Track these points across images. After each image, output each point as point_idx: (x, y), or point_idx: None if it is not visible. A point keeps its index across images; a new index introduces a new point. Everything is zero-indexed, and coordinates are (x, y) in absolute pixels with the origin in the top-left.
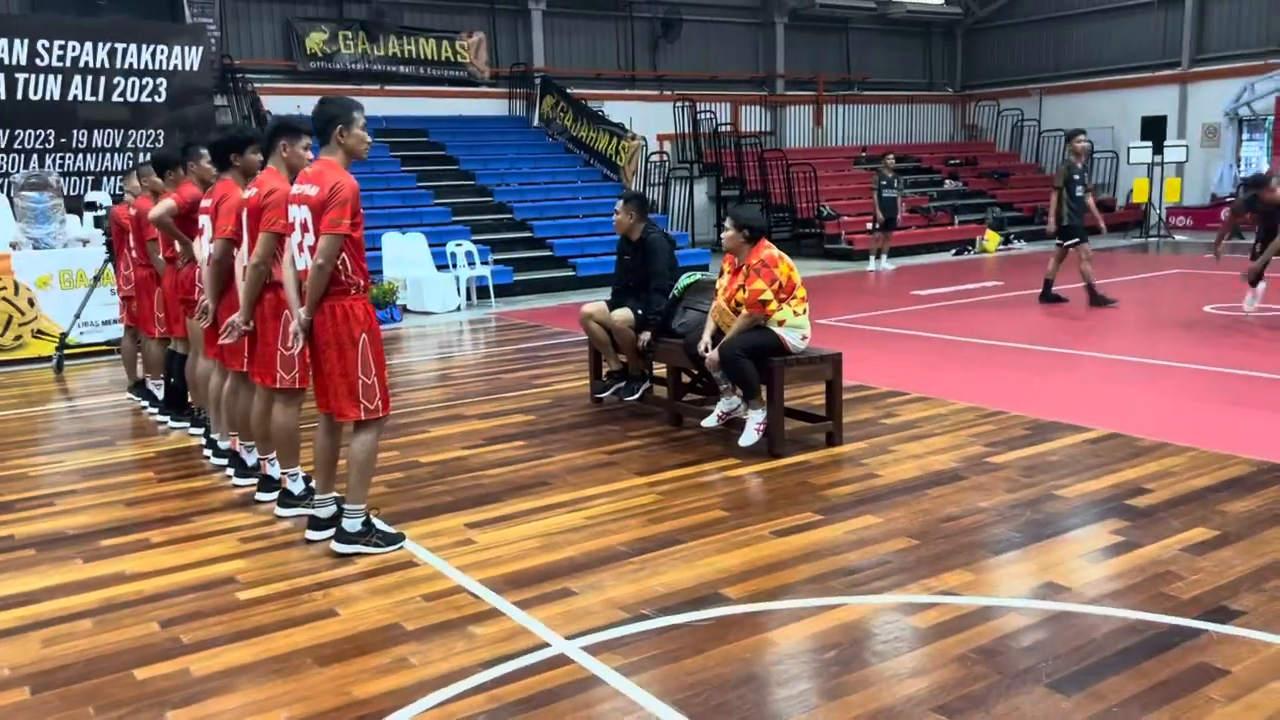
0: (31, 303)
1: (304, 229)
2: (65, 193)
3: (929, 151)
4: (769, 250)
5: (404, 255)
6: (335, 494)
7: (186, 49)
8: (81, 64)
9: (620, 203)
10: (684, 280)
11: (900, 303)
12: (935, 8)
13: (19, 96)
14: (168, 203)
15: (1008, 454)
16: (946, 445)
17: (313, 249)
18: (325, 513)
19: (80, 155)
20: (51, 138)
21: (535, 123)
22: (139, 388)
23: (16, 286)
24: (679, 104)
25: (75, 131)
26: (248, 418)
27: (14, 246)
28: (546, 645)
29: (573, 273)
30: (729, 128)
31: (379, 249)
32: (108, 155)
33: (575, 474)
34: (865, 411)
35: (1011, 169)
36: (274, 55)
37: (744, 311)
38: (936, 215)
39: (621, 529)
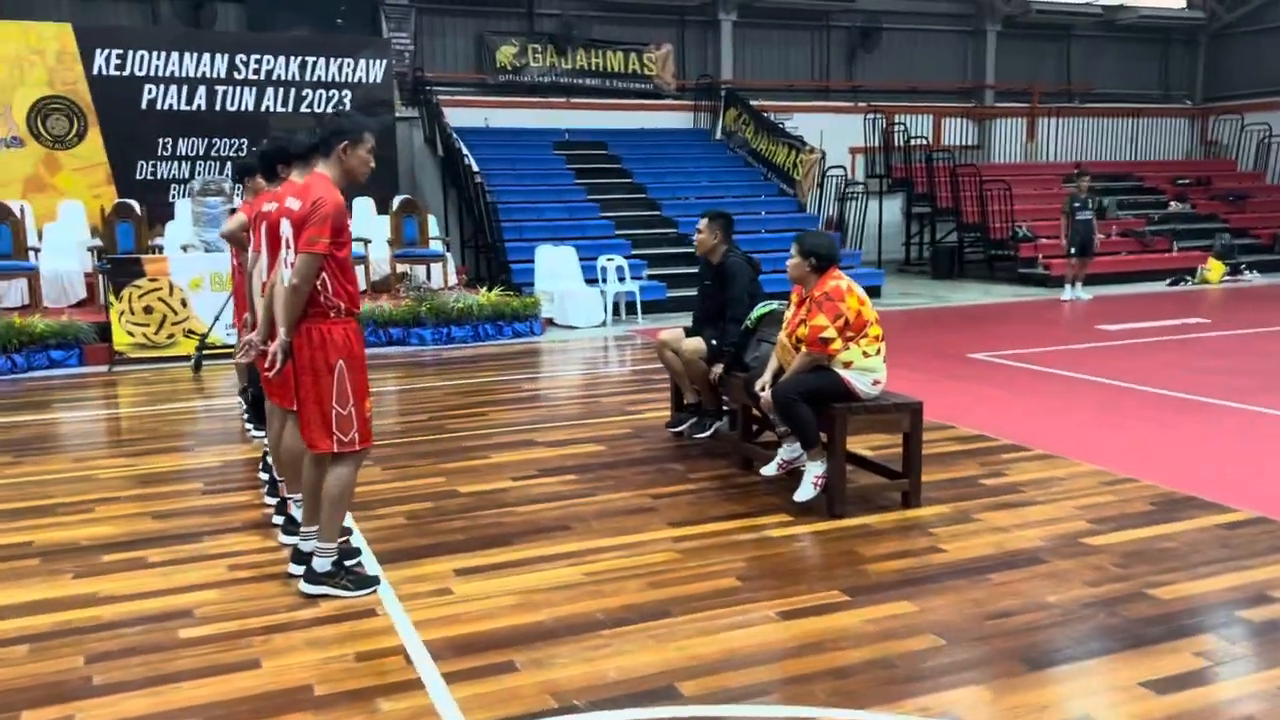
0: (184, 303)
1: (287, 245)
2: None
3: (1154, 170)
4: (837, 281)
5: (555, 268)
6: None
7: (371, 62)
8: (275, 77)
9: (704, 220)
10: (759, 310)
11: (1079, 338)
12: (1174, 13)
13: (218, 108)
14: (239, 217)
15: (1113, 534)
16: (1043, 517)
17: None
18: (309, 546)
19: None
20: (245, 146)
21: (717, 135)
22: (244, 393)
23: (171, 287)
24: (869, 116)
25: (266, 141)
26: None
27: (184, 249)
28: None
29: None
30: (924, 141)
31: (532, 261)
32: None
33: (604, 519)
34: (969, 467)
35: (1253, 190)
36: (465, 68)
37: (803, 349)
38: (1153, 240)
39: (615, 591)
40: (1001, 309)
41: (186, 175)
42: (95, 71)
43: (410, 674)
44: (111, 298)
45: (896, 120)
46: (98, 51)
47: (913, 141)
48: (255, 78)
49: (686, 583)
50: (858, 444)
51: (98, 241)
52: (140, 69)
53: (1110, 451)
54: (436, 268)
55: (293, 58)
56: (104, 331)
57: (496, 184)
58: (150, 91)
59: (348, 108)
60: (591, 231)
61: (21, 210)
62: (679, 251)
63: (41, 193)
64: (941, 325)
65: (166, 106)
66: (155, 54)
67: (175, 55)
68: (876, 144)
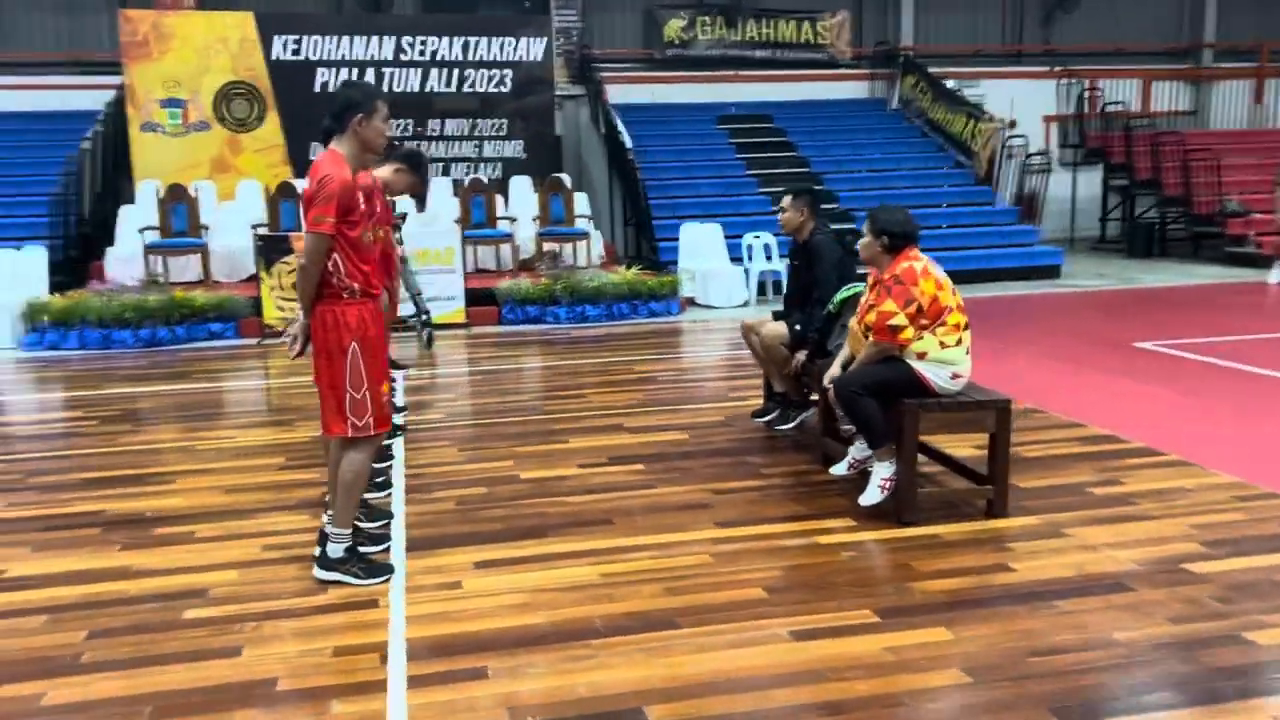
0: None
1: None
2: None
3: None
4: (911, 263)
5: (699, 246)
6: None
7: (532, 40)
8: (439, 58)
9: (788, 198)
10: (842, 293)
11: (1275, 327)
12: None
13: (386, 89)
14: None
15: (1227, 561)
16: (1147, 536)
17: None
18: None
19: (434, 143)
20: (410, 127)
21: (893, 106)
22: (393, 364)
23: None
24: (1064, 82)
25: (430, 121)
26: None
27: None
28: None
29: None
30: (1122, 107)
31: (676, 239)
32: (457, 143)
33: (652, 514)
34: (1081, 473)
35: None
36: (632, 44)
37: (871, 338)
38: None
39: (627, 596)
40: (1195, 292)
41: None
42: (273, 57)
43: (378, 675)
44: (263, 273)
45: (1095, 85)
46: (276, 38)
47: (1110, 108)
48: (421, 59)
49: (708, 591)
50: (952, 444)
51: (262, 219)
52: (314, 53)
53: (1259, 462)
54: (583, 246)
55: (456, 38)
56: (258, 306)
57: (654, 160)
58: (323, 75)
59: (509, 87)
60: (747, 208)
61: (195, 190)
62: (838, 228)
63: (225, 173)
64: (1117, 310)
65: (337, 89)
66: (328, 38)
67: (346, 39)
68: (1072, 112)
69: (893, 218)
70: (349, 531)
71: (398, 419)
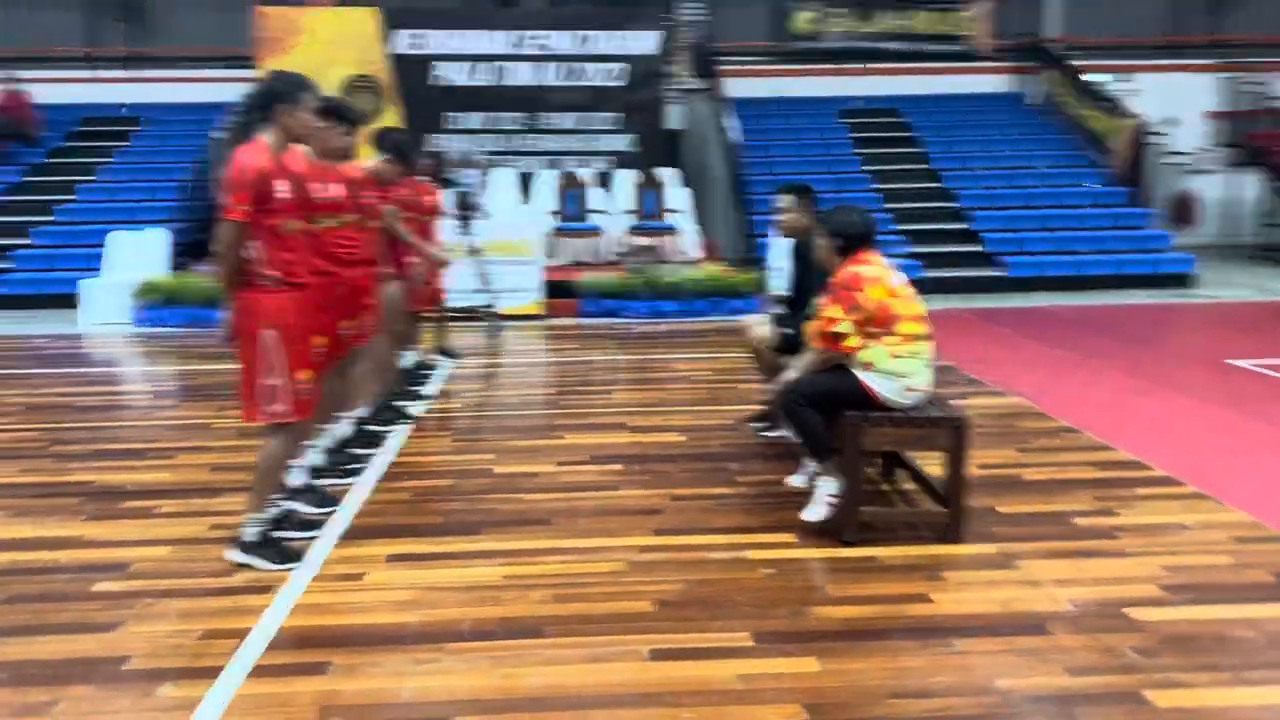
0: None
1: None
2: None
3: None
4: (860, 267)
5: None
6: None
7: (647, 33)
8: (554, 52)
9: (789, 197)
10: None
11: None
12: None
13: (501, 83)
14: None
15: (1176, 609)
16: (1106, 574)
17: None
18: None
19: (546, 137)
20: (523, 120)
21: (1033, 100)
22: (444, 351)
23: None
24: (1228, 76)
25: (543, 115)
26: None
27: (466, 215)
28: None
29: (1001, 272)
30: None
31: (765, 235)
32: (570, 136)
33: (596, 517)
34: (1078, 500)
35: None
36: (759, 37)
37: (814, 344)
38: None
39: (513, 601)
40: None
41: (472, 148)
42: (395, 51)
43: (222, 661)
44: None
45: (1263, 81)
46: (398, 32)
47: (1273, 104)
48: (536, 53)
49: (597, 600)
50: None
51: None
52: (433, 48)
53: None
54: (676, 241)
55: (571, 32)
56: None
57: (765, 155)
58: (440, 69)
59: (622, 80)
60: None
61: None
62: (951, 228)
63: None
64: (1232, 323)
65: (455, 82)
66: (446, 33)
67: (464, 34)
68: (1237, 108)
69: (847, 218)
70: (264, 516)
71: (415, 409)
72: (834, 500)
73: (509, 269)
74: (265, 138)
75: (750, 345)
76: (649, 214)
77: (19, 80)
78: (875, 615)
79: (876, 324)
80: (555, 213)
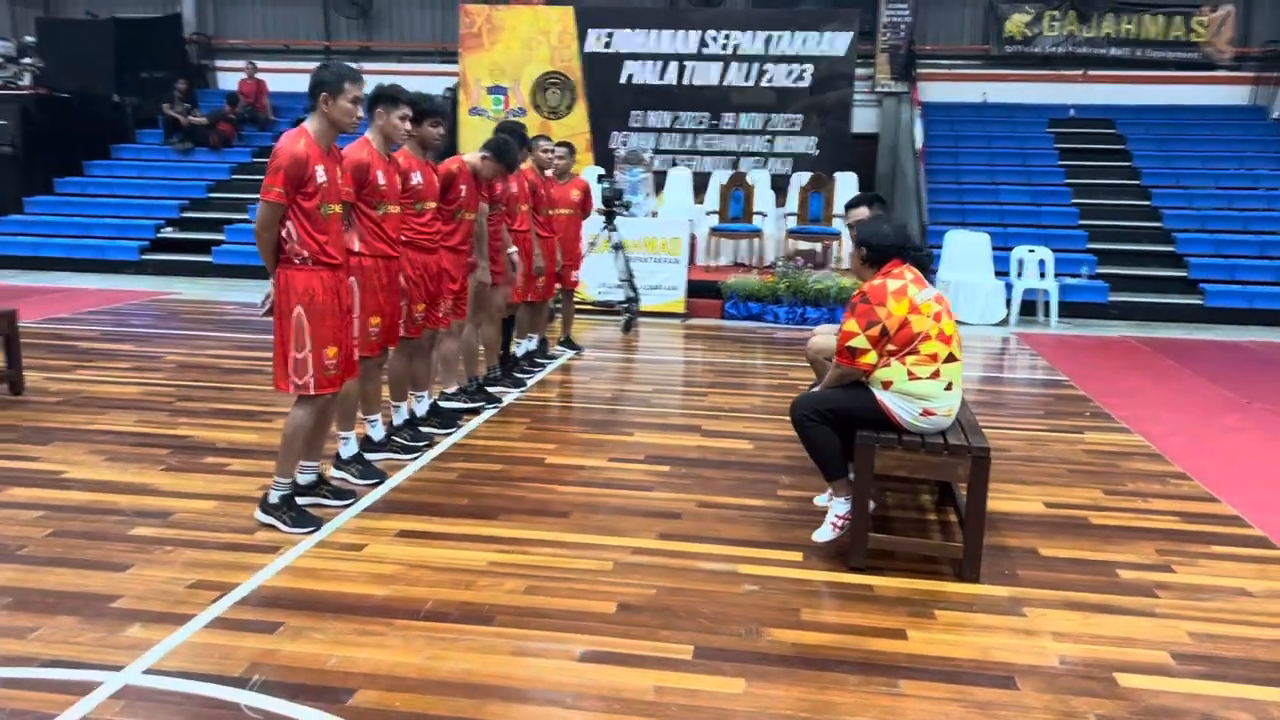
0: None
1: None
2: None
3: None
4: (885, 280)
5: (964, 256)
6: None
7: (836, 35)
8: (739, 52)
9: (862, 208)
10: None
11: None
12: None
13: (685, 82)
14: None
15: (1177, 680)
16: (1120, 634)
17: None
18: (347, 450)
19: (727, 136)
20: (705, 120)
21: (1277, 114)
22: (568, 342)
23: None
24: None
25: (725, 115)
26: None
27: (612, 211)
28: (119, 669)
29: (1197, 300)
30: None
31: (939, 246)
32: (750, 138)
33: (613, 515)
34: (1138, 552)
35: None
36: (968, 40)
37: (833, 360)
38: None
39: (484, 587)
40: None
41: (652, 146)
42: (587, 49)
43: (195, 611)
44: None
45: None
46: (590, 31)
47: None
48: (721, 53)
49: (564, 597)
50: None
51: None
52: (623, 46)
53: None
54: (835, 246)
55: (758, 33)
56: None
57: (957, 163)
58: (629, 67)
59: (807, 82)
60: (1047, 219)
61: None
62: (1152, 249)
63: None
64: None
65: (641, 81)
66: (636, 32)
67: (653, 33)
68: None
69: (876, 228)
70: (288, 480)
71: (509, 394)
72: (842, 522)
73: (654, 266)
74: (308, 124)
75: (807, 355)
76: (814, 218)
77: (258, 69)
78: (833, 645)
79: (896, 341)
80: (711, 213)
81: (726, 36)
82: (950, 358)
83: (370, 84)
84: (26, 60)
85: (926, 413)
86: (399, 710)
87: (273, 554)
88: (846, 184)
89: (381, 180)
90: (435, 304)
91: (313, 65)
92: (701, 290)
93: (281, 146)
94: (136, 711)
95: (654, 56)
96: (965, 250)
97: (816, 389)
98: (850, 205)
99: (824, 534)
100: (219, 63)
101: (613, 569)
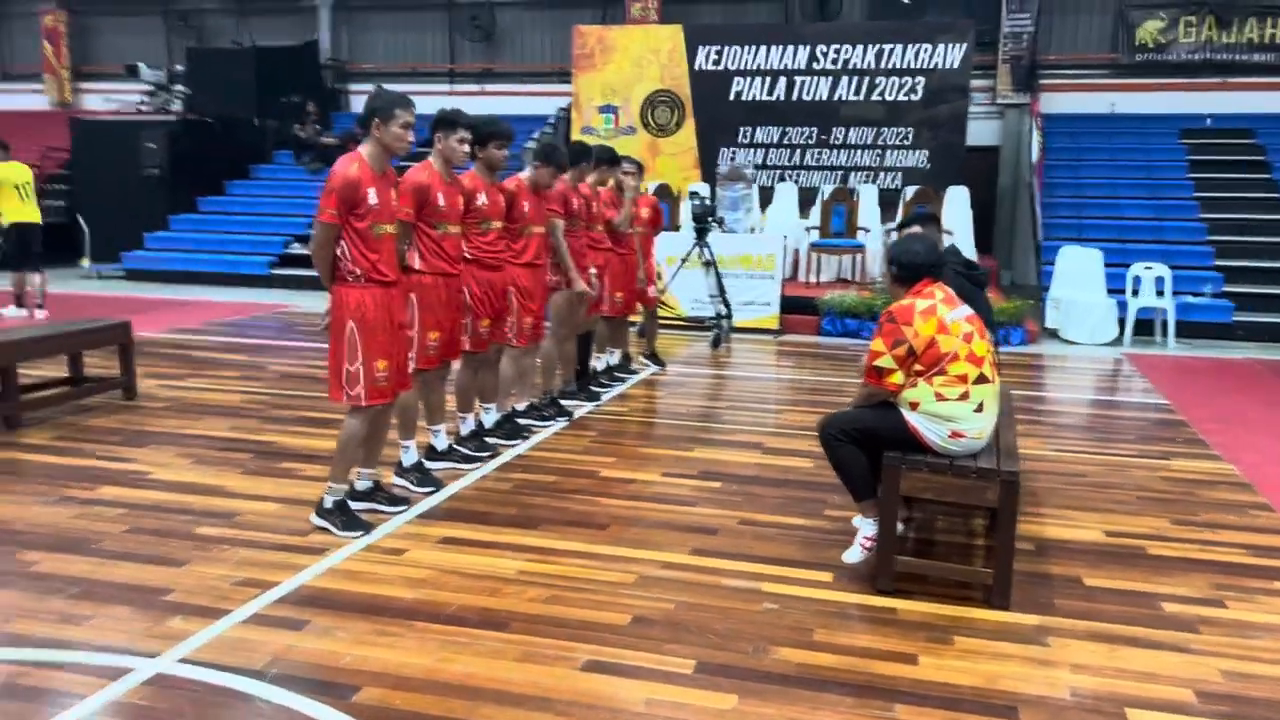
0: (659, 276)
1: None
2: (816, 186)
3: None
4: (913, 300)
5: (1075, 272)
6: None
7: (950, 47)
8: (850, 66)
9: (917, 227)
10: None
11: None
12: None
13: (794, 97)
14: None
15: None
16: (1144, 669)
17: None
18: (407, 459)
19: (836, 151)
20: (814, 135)
21: None
22: (652, 357)
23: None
24: None
25: (835, 129)
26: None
27: (703, 227)
28: (154, 657)
29: None
30: None
31: (1052, 262)
32: (859, 152)
33: (651, 529)
34: (1191, 585)
35: None
36: (1095, 48)
37: (862, 380)
38: None
39: (508, 594)
40: None
41: (760, 161)
42: (696, 67)
43: (234, 607)
44: None
45: None
46: (700, 48)
47: None
48: (831, 67)
49: (581, 607)
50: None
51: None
52: (732, 63)
53: None
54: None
55: (869, 46)
56: None
57: (1080, 176)
58: (738, 84)
59: (919, 95)
60: (1171, 234)
61: None
62: None
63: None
64: None
65: (751, 97)
66: (745, 49)
67: (763, 49)
68: None
69: (908, 247)
70: (342, 487)
71: (583, 409)
72: (870, 543)
73: (749, 282)
74: (362, 149)
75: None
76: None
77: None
78: (838, 666)
79: (923, 361)
80: (811, 228)
81: (837, 50)
82: (981, 379)
83: (492, 105)
84: (177, 88)
85: (955, 435)
86: (396, 708)
87: (319, 555)
88: (958, 198)
89: (441, 201)
90: (501, 319)
91: (437, 88)
92: (799, 306)
93: (335, 170)
94: (161, 697)
95: (763, 72)
96: (1077, 267)
97: (841, 410)
98: (902, 224)
99: (853, 555)
100: (352, 86)
101: (636, 582)
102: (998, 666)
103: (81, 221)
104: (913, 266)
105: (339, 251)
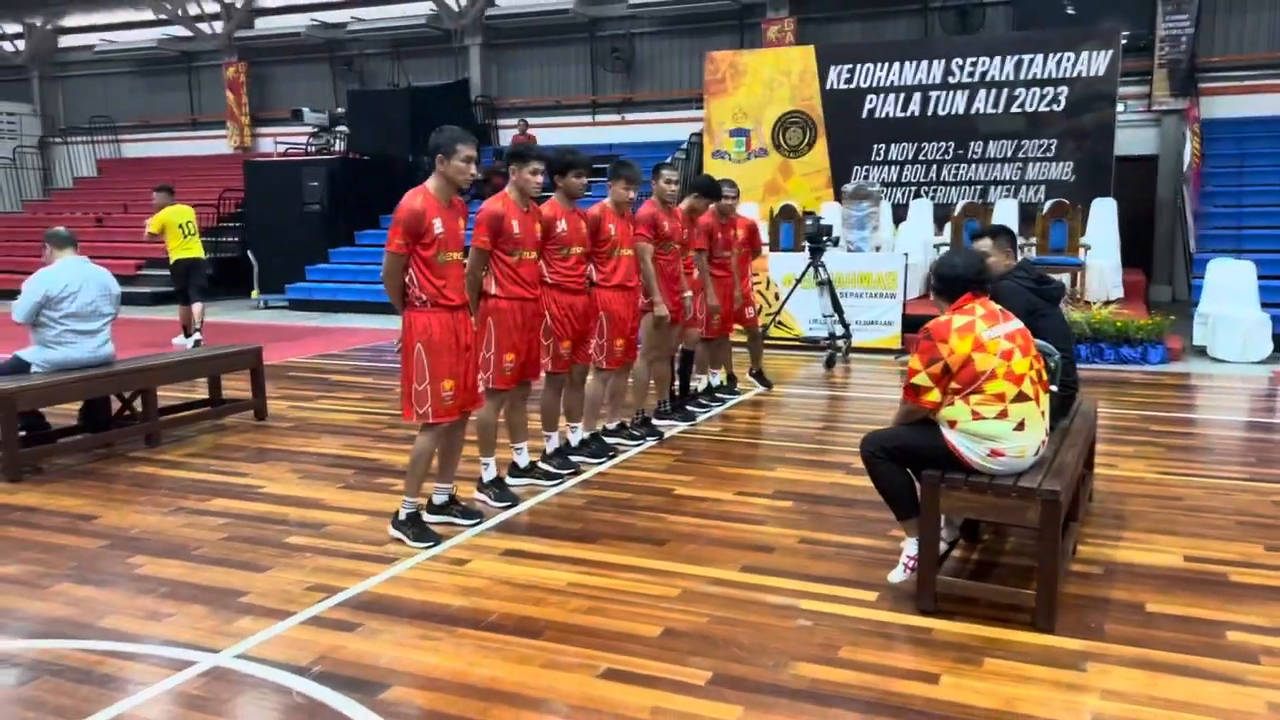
0: (777, 296)
1: None
2: (952, 201)
3: None
4: (952, 316)
5: (1224, 286)
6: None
7: (1094, 54)
8: (988, 78)
9: (986, 240)
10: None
11: None
12: None
13: (929, 113)
14: None
15: None
16: (1183, 699)
17: None
18: (487, 475)
19: (973, 166)
20: (950, 150)
21: None
22: (759, 376)
23: (769, 281)
24: None
25: (972, 143)
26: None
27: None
28: (215, 652)
29: None
30: None
31: (1202, 276)
32: (999, 166)
33: (709, 546)
34: (1267, 615)
35: None
36: (1262, 48)
37: (901, 397)
38: None
39: (552, 604)
40: None
41: (894, 178)
42: (828, 86)
43: (298, 608)
44: None
45: None
46: (831, 68)
47: None
48: (969, 80)
49: (618, 618)
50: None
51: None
52: (865, 81)
53: None
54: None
55: (1008, 57)
56: None
57: (1242, 183)
58: (871, 101)
59: (1062, 105)
60: None
61: None
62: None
63: (774, 195)
64: None
65: (884, 114)
66: (879, 66)
67: (896, 66)
68: None
69: (948, 260)
70: (415, 501)
71: (676, 428)
72: (913, 563)
73: (869, 301)
74: (428, 183)
75: None
76: (1056, 247)
77: (530, 125)
78: (853, 683)
79: (959, 380)
80: (941, 245)
81: (974, 64)
82: (1021, 396)
83: (632, 133)
84: (338, 128)
85: (994, 453)
86: (417, 705)
87: (388, 564)
88: (1104, 211)
89: (516, 229)
90: (583, 341)
91: (579, 119)
92: (917, 325)
93: (402, 203)
94: (215, 689)
95: (896, 89)
96: (1227, 280)
97: (883, 428)
98: (974, 237)
99: (898, 575)
100: (500, 121)
101: (678, 595)
102: (1021, 690)
103: (251, 256)
104: (952, 279)
105: (407, 279)
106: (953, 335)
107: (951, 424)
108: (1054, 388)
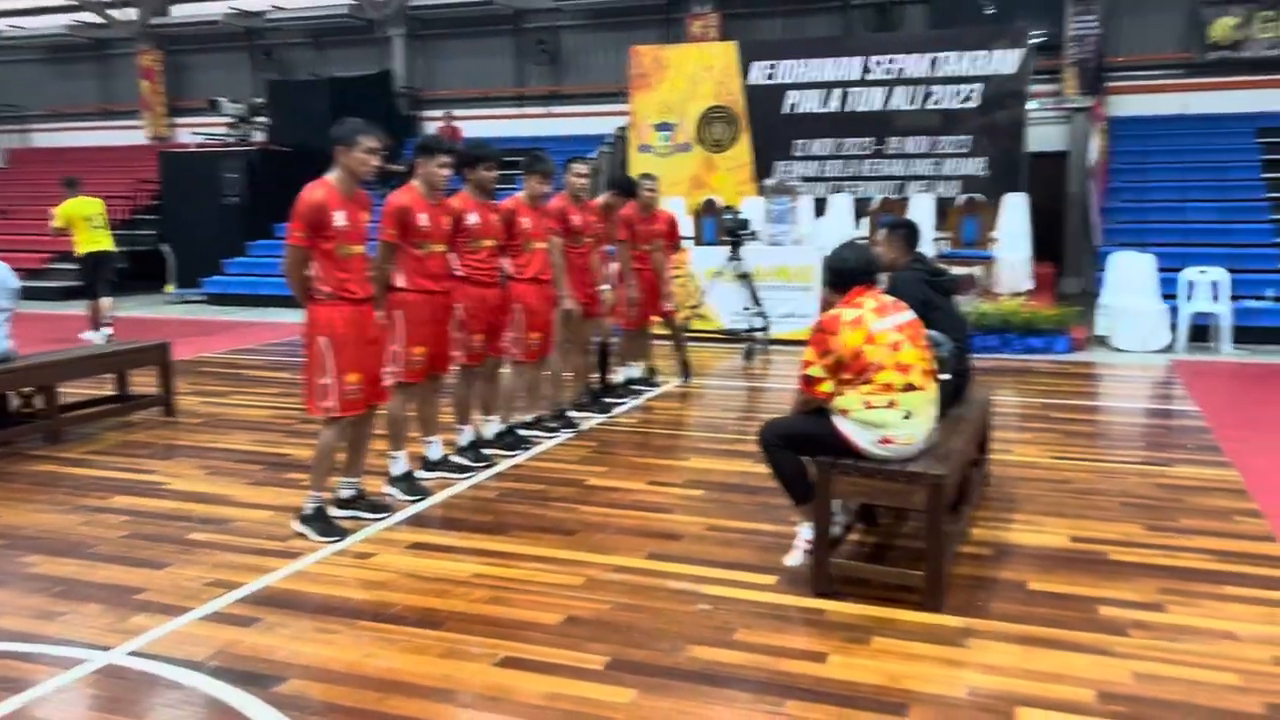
0: (700, 290)
1: None
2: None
3: None
4: (841, 310)
5: (1126, 279)
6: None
7: (1005, 53)
8: (903, 75)
9: (882, 231)
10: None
11: None
12: None
13: (849, 109)
14: None
15: None
16: (1054, 671)
17: None
18: (396, 469)
19: (892, 161)
20: (869, 145)
21: None
22: (683, 368)
23: (691, 275)
24: None
25: (890, 139)
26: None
27: (736, 240)
28: (106, 649)
29: None
30: None
31: (1102, 269)
32: (916, 161)
33: (617, 535)
34: (1139, 590)
35: None
36: (1166, 48)
37: (796, 387)
38: None
39: (455, 595)
40: None
41: (813, 174)
42: (750, 82)
43: (196, 604)
44: None
45: None
46: (753, 64)
47: None
48: (886, 77)
49: (521, 608)
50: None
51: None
52: (786, 77)
53: None
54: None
55: (923, 55)
56: None
57: (1147, 179)
58: (792, 97)
59: (975, 102)
60: (1238, 237)
61: None
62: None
63: (699, 190)
64: None
65: (805, 110)
66: (799, 62)
67: (815, 63)
68: None
69: (839, 253)
70: (318, 495)
71: (592, 421)
72: (809, 546)
73: (787, 294)
74: (329, 175)
75: None
76: (968, 242)
77: (455, 117)
78: (745, 664)
79: (850, 370)
80: (860, 239)
81: (891, 60)
82: (909, 387)
83: (558, 126)
84: (258, 119)
85: (885, 440)
86: (314, 698)
87: (292, 559)
88: (1016, 206)
89: (423, 223)
90: (496, 334)
91: (506, 111)
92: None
93: (302, 195)
94: (104, 686)
95: (816, 85)
96: (1128, 273)
97: (780, 416)
98: (879, 230)
99: (794, 559)
100: (425, 113)
101: (582, 584)
102: (905, 666)
103: (165, 249)
104: (842, 272)
105: (310, 272)
106: (843, 329)
107: (844, 413)
108: (945, 376)
